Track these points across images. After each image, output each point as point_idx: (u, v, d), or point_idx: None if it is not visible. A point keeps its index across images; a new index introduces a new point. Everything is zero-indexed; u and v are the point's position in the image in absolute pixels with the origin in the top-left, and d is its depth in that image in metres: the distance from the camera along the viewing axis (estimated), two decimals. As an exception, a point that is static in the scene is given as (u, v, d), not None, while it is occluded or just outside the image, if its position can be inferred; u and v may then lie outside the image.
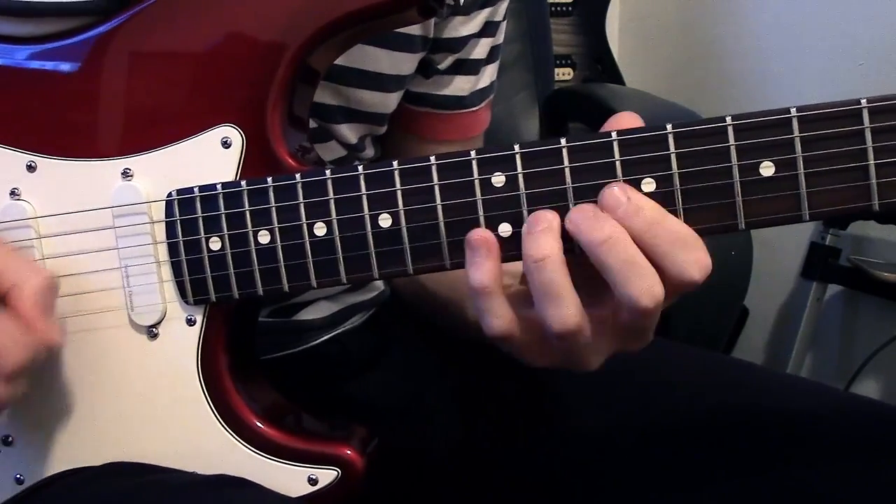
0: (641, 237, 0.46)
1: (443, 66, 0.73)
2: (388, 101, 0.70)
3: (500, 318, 0.48)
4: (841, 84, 1.52)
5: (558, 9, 1.75)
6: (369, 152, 0.75)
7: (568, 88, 1.60)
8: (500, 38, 0.77)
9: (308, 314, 0.75)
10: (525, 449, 0.70)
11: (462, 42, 0.72)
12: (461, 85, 0.75)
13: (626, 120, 0.50)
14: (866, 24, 1.48)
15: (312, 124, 0.65)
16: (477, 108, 0.77)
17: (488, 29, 0.74)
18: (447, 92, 0.75)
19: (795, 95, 1.60)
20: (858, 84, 1.49)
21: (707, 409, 0.65)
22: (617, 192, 0.47)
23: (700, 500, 0.61)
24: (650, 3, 1.94)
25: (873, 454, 0.57)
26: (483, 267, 0.48)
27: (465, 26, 0.71)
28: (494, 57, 0.77)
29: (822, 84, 1.56)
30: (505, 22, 0.77)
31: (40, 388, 0.55)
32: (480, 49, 0.74)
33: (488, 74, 0.77)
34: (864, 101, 0.46)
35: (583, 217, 0.47)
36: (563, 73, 1.74)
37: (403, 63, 0.68)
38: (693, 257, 0.46)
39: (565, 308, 0.47)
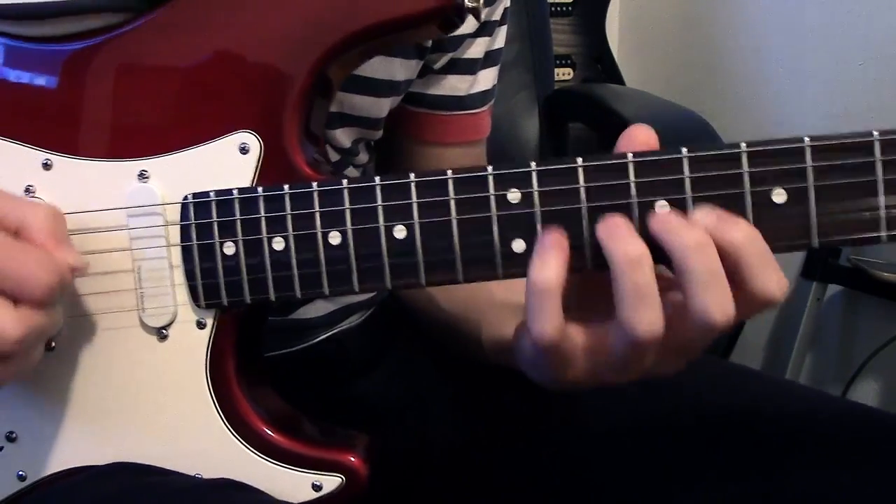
0: (736, 250, 0.46)
1: (437, 65, 0.73)
2: (381, 106, 0.70)
3: (555, 321, 0.47)
4: (841, 84, 1.51)
5: (558, 9, 1.74)
6: (363, 157, 0.75)
7: (568, 88, 1.60)
8: (499, 41, 0.77)
9: (306, 312, 0.75)
10: (525, 449, 0.70)
11: (457, 41, 0.72)
12: (455, 84, 0.74)
13: (641, 133, 0.50)
14: (866, 24, 1.47)
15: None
16: (478, 110, 0.77)
17: (484, 28, 0.73)
18: (441, 92, 0.74)
19: (795, 95, 1.60)
20: (858, 84, 1.48)
21: (705, 413, 0.65)
22: (708, 207, 0.47)
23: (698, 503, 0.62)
24: (650, 3, 1.94)
25: (870, 461, 0.58)
26: (552, 265, 0.47)
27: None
28: (493, 60, 0.77)
29: (822, 84, 1.55)
30: (505, 26, 0.76)
31: (46, 384, 0.55)
32: (476, 48, 0.74)
33: (489, 77, 0.77)
34: (876, 134, 0.47)
35: (675, 219, 0.47)
36: (563, 73, 1.74)
37: (396, 68, 0.68)
38: (777, 276, 0.46)
39: (655, 311, 0.46)
